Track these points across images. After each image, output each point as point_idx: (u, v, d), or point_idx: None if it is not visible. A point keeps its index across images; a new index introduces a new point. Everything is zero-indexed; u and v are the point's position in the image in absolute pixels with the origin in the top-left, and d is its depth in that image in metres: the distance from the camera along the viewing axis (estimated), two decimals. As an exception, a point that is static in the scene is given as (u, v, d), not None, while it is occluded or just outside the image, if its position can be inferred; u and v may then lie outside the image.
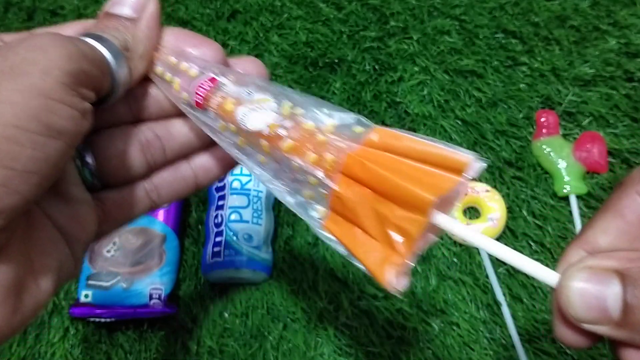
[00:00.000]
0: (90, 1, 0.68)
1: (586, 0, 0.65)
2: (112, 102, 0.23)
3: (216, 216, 0.52)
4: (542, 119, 0.58)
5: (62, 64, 0.19)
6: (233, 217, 0.52)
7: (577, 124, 0.59)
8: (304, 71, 0.63)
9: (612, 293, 0.19)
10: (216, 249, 0.51)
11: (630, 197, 0.21)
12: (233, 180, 0.53)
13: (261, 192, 0.53)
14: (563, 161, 0.55)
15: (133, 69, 0.24)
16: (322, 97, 0.61)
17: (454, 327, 0.51)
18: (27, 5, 0.68)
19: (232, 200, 0.52)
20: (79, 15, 0.67)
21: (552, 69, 0.61)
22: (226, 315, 0.52)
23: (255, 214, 0.52)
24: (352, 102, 0.61)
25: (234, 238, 0.51)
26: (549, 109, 0.59)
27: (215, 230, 0.52)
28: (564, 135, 0.58)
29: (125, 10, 0.24)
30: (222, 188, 0.53)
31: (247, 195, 0.52)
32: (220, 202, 0.53)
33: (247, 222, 0.51)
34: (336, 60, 0.63)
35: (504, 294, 0.52)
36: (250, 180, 0.53)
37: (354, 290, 0.52)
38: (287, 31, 0.65)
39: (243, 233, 0.51)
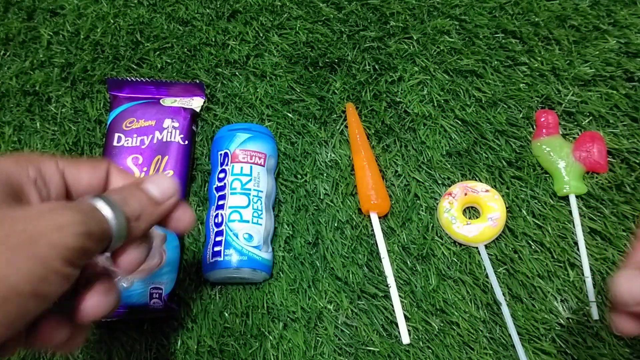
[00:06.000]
0: (90, 1, 0.68)
1: (586, 0, 0.65)
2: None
3: (216, 216, 0.52)
4: (542, 119, 0.58)
5: (69, 241, 0.23)
6: (233, 216, 0.52)
7: (577, 124, 0.59)
8: (304, 71, 0.63)
9: None
10: (216, 249, 0.51)
11: None
12: (233, 180, 0.53)
13: (261, 191, 0.53)
14: (563, 161, 0.56)
15: (129, 235, 0.28)
16: (322, 97, 0.61)
17: (454, 327, 0.51)
18: (27, 4, 0.68)
19: (233, 200, 0.52)
20: (79, 15, 0.67)
21: (552, 68, 0.61)
22: (226, 315, 0.52)
23: (255, 214, 0.52)
24: (352, 102, 0.61)
25: (234, 238, 0.51)
26: (549, 109, 0.59)
27: (216, 229, 0.52)
28: (564, 135, 0.58)
29: (155, 191, 0.30)
30: (223, 188, 0.53)
31: (247, 195, 0.52)
32: (221, 202, 0.53)
33: (247, 221, 0.51)
34: (336, 60, 0.63)
35: (504, 294, 0.52)
36: (250, 180, 0.53)
37: (354, 290, 0.53)
38: (287, 31, 0.65)
39: (243, 233, 0.51)
